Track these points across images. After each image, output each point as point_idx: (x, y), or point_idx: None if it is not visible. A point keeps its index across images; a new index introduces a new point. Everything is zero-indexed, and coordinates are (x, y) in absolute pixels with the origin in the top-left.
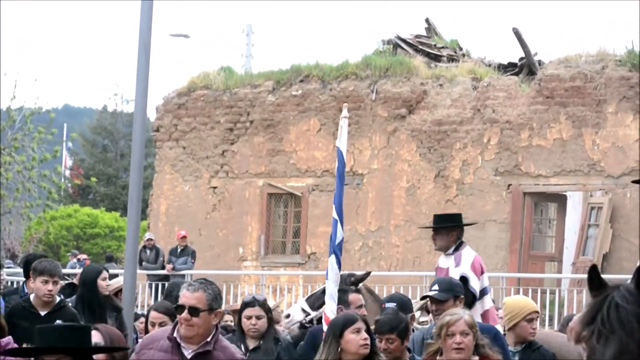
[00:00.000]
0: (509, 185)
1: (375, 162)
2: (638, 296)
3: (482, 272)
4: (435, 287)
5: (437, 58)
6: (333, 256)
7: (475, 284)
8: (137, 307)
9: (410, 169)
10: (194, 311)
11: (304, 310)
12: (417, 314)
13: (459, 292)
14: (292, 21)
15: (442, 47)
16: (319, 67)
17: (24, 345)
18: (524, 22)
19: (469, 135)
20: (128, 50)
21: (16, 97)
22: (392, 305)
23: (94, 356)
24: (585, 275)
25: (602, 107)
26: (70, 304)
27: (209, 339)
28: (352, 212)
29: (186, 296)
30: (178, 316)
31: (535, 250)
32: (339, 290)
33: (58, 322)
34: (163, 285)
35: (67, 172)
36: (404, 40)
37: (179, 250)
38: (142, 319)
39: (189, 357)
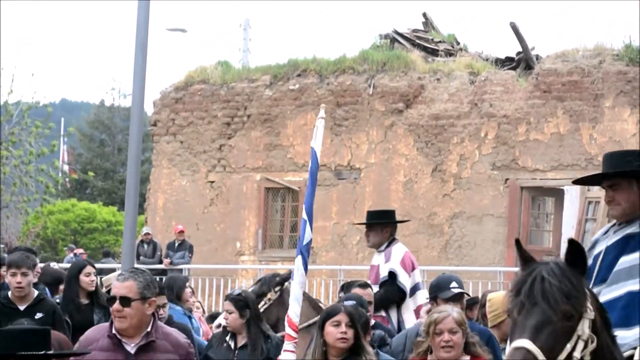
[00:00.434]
0: (506, 179)
1: (372, 157)
2: (567, 271)
3: (414, 269)
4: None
5: (434, 52)
6: (300, 257)
7: (404, 280)
8: None
9: (407, 163)
10: (124, 301)
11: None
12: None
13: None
14: (290, 15)
15: (440, 42)
16: (316, 62)
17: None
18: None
19: (466, 130)
20: (125, 45)
21: (13, 92)
22: (351, 303)
23: None
24: None
25: (600, 101)
26: (57, 300)
27: (149, 329)
28: (350, 207)
29: (116, 286)
30: (111, 309)
31: (533, 244)
32: (348, 286)
33: (23, 320)
34: (161, 280)
35: (66, 167)
36: (401, 35)
37: (176, 244)
38: None
39: (132, 352)
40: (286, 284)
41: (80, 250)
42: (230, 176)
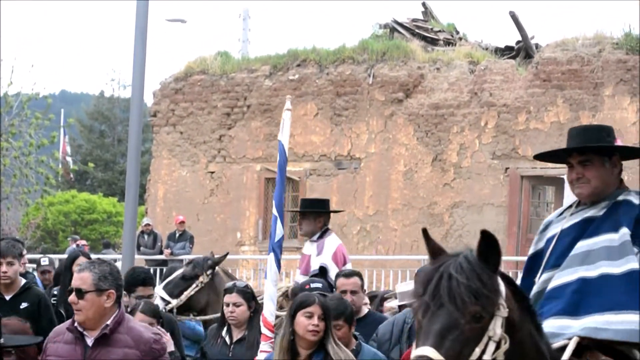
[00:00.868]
0: (507, 168)
1: (372, 146)
2: (477, 266)
3: (345, 263)
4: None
5: (434, 42)
6: (272, 254)
7: (335, 275)
8: None
9: (407, 152)
10: (78, 293)
11: (163, 299)
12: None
13: None
14: (289, 5)
15: (439, 31)
16: (315, 52)
17: None
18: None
19: (466, 119)
20: (125, 36)
21: (13, 83)
22: (317, 284)
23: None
24: None
25: (599, 90)
26: (55, 291)
27: (108, 322)
28: (350, 197)
29: (74, 277)
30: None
31: (533, 233)
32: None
33: (24, 304)
34: (161, 270)
35: (70, 159)
36: (400, 24)
37: (177, 235)
38: None
39: (90, 344)
40: (217, 267)
41: (83, 242)
42: (230, 167)
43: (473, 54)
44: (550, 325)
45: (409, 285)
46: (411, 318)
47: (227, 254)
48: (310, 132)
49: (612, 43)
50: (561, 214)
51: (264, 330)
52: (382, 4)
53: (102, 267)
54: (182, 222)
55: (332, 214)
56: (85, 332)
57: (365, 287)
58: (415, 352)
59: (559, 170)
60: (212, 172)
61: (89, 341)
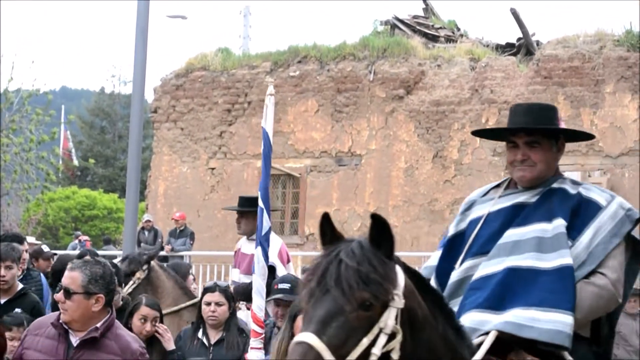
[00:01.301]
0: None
1: (373, 143)
2: (369, 252)
3: (288, 261)
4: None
5: (434, 39)
6: (259, 248)
7: (282, 274)
8: None
9: (408, 149)
10: (66, 292)
11: None
12: None
13: None
14: (290, 2)
15: (440, 28)
16: (316, 48)
17: None
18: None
19: (467, 116)
20: (126, 32)
21: (13, 79)
22: (285, 285)
23: None
24: None
25: (600, 87)
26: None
27: (98, 325)
28: (351, 193)
29: (65, 275)
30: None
31: None
32: None
33: (17, 310)
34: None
35: (73, 153)
36: (401, 21)
37: (177, 231)
38: None
39: (75, 344)
40: (153, 262)
41: (85, 238)
42: (231, 163)
43: (474, 51)
44: (470, 319)
45: None
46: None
47: (162, 248)
48: (311, 129)
49: (613, 40)
50: (486, 193)
51: (253, 326)
52: (383, 0)
53: (95, 269)
54: (178, 220)
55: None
56: (70, 331)
57: None
58: (295, 338)
59: (560, 167)
60: (213, 169)
61: (74, 340)
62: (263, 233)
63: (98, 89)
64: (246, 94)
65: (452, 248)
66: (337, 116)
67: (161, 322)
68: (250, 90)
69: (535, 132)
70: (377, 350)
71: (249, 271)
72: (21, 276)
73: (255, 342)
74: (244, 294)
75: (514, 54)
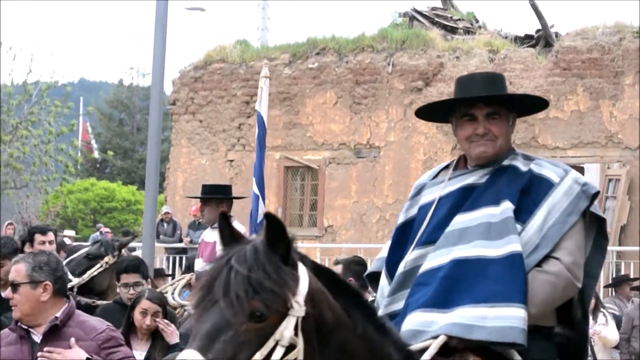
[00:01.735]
0: None
1: (392, 135)
2: (263, 256)
3: None
4: None
5: (453, 30)
6: (254, 236)
7: None
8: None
9: (427, 141)
10: (13, 286)
11: None
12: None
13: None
14: None
15: (459, 20)
16: (335, 40)
17: None
18: None
19: None
20: (144, 24)
21: (32, 71)
22: None
23: None
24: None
25: (620, 78)
26: None
27: (58, 314)
28: (369, 185)
29: (10, 271)
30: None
31: None
32: (361, 264)
33: None
34: (181, 258)
35: (94, 144)
36: (420, 13)
37: (197, 223)
38: None
39: (38, 340)
40: (123, 250)
41: (107, 229)
42: (249, 155)
43: (493, 43)
44: (414, 320)
45: None
46: None
47: (136, 236)
48: (330, 121)
49: (632, 32)
50: (436, 175)
51: None
52: None
53: (39, 258)
54: (196, 212)
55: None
56: (31, 330)
57: None
58: (178, 356)
59: (579, 159)
60: (232, 161)
61: (37, 338)
62: (259, 221)
63: (117, 81)
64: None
65: (402, 237)
66: (356, 108)
67: (164, 316)
68: (269, 82)
69: (495, 102)
70: None
71: (212, 259)
72: None
73: None
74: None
75: (533, 46)
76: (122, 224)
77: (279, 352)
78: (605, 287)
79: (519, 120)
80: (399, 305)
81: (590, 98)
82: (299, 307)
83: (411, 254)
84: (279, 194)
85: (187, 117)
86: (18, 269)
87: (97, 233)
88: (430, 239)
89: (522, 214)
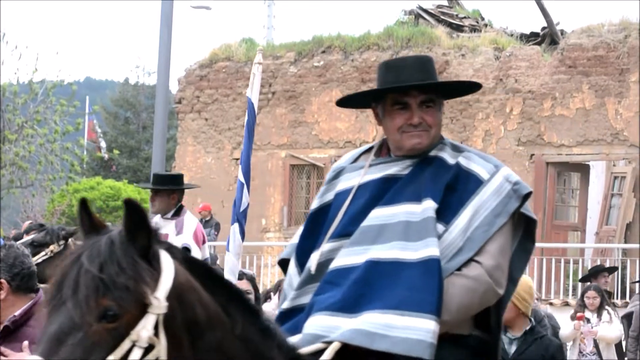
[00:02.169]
0: (532, 155)
1: None
2: (120, 247)
3: (204, 242)
4: None
5: (459, 28)
6: (236, 224)
7: (196, 255)
8: None
9: None
10: None
11: None
12: None
13: None
14: None
15: (464, 17)
16: (340, 38)
17: None
18: None
19: (492, 105)
20: (150, 23)
21: (38, 70)
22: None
23: None
24: (609, 245)
25: (625, 76)
26: None
27: (16, 314)
28: None
29: None
30: None
31: (559, 220)
32: None
33: None
34: None
35: (102, 143)
36: (425, 11)
37: (203, 221)
38: None
39: None
40: (70, 240)
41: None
42: (255, 153)
43: (498, 40)
44: (317, 324)
45: None
46: None
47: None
48: (335, 119)
49: (637, 29)
50: (357, 159)
51: None
52: None
53: None
54: (205, 209)
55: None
56: None
57: None
58: None
59: (585, 156)
60: (237, 159)
61: None
62: (242, 209)
63: (122, 80)
64: (270, 84)
65: (315, 224)
66: None
67: None
68: (274, 81)
69: (430, 90)
70: None
71: None
72: None
73: None
74: None
75: (539, 44)
76: None
77: (137, 353)
78: (580, 280)
79: (525, 118)
80: (307, 299)
81: (595, 95)
82: (158, 303)
83: (325, 246)
84: (285, 192)
85: (192, 115)
86: None
87: None
88: (345, 232)
89: (447, 213)
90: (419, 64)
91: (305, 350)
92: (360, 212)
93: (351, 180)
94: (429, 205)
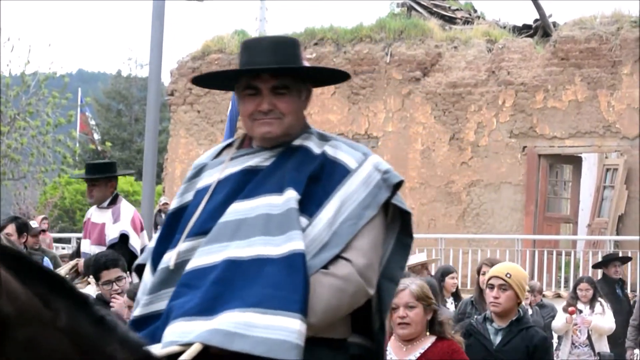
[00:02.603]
0: (524, 147)
1: (389, 125)
2: None
3: (142, 229)
4: None
5: (451, 20)
6: None
7: (135, 242)
8: None
9: (425, 131)
10: None
11: None
12: None
13: None
14: None
15: (457, 10)
16: (333, 30)
17: None
18: None
19: (484, 98)
20: (142, 15)
21: (30, 62)
22: None
23: None
24: (601, 237)
25: (617, 68)
26: None
27: None
28: None
29: None
30: None
31: (551, 212)
32: None
33: None
34: None
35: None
36: (418, 3)
37: None
38: None
39: None
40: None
41: None
42: None
43: (491, 33)
44: (175, 331)
45: (417, 258)
46: None
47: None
48: (328, 111)
49: (630, 21)
50: (219, 154)
51: None
52: None
53: None
54: None
55: None
56: None
57: None
58: None
59: (577, 149)
60: None
61: None
62: None
63: (114, 72)
64: None
65: (173, 225)
66: (354, 98)
67: None
68: None
69: (283, 74)
70: None
71: (101, 241)
72: None
73: None
74: (95, 266)
75: (531, 36)
76: None
77: None
78: (593, 267)
79: (517, 110)
80: (162, 305)
81: (588, 88)
82: None
83: (181, 245)
84: None
85: (185, 107)
86: None
87: None
88: (203, 230)
89: (311, 205)
90: (275, 46)
91: (159, 352)
92: (219, 207)
93: (212, 177)
94: (291, 196)
